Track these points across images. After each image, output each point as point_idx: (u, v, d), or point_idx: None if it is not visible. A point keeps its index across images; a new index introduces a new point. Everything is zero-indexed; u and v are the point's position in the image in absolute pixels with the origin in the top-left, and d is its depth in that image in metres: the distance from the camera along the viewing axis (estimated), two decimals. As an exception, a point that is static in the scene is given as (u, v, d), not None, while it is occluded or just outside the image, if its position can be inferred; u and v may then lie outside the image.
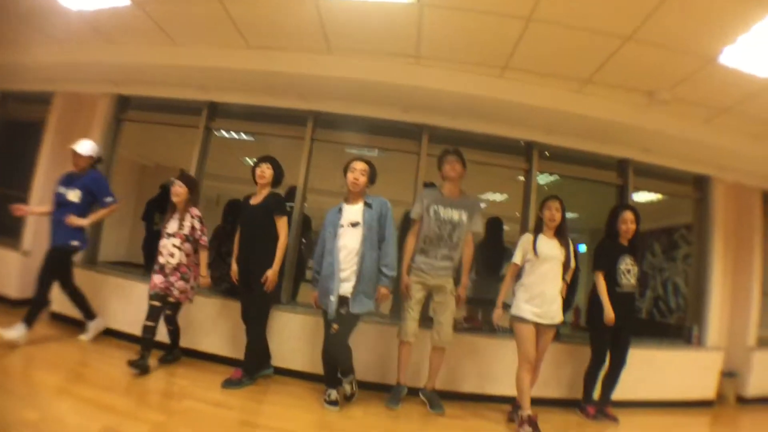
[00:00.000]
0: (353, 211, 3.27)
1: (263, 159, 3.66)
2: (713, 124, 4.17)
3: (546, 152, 4.53)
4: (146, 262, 5.19)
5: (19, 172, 5.27)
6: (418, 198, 3.67)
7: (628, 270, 3.74)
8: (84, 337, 3.94)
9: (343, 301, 3.12)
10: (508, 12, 2.97)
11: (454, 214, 3.48)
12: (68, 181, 3.87)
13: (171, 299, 3.54)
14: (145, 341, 3.40)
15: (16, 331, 3.47)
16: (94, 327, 4.01)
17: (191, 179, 3.73)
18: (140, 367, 3.30)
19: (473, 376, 3.94)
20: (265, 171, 3.59)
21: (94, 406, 2.65)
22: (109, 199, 3.90)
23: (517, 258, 3.43)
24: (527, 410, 3.20)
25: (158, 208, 5.54)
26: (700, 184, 4.96)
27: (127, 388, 3.07)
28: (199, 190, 3.77)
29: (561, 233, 3.44)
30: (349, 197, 3.34)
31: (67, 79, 4.90)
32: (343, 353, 3.18)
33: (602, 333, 3.75)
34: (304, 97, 4.32)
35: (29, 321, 3.57)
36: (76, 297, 3.96)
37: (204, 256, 3.67)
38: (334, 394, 3.20)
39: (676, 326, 4.97)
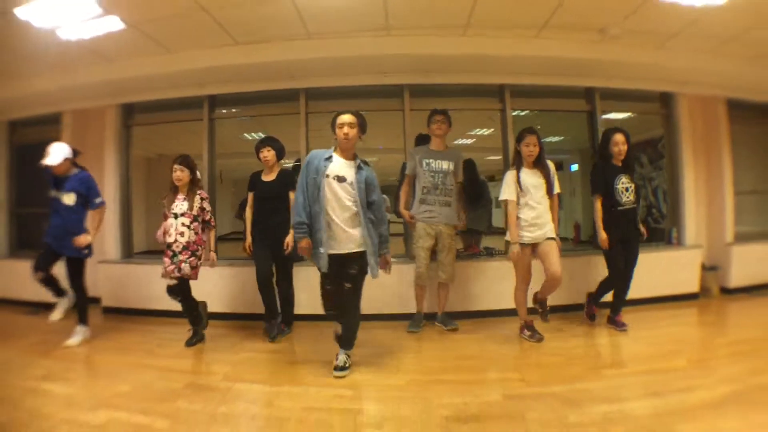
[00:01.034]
0: (343, 166, 3.13)
1: (263, 143, 4.08)
2: (666, 48, 4.62)
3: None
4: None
5: (40, 190, 5.86)
6: (409, 155, 4.30)
7: (626, 188, 4.02)
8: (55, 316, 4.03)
9: (348, 258, 3.10)
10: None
11: (444, 164, 4.11)
12: (59, 183, 3.97)
13: (179, 274, 3.78)
14: (187, 315, 3.95)
15: (79, 335, 3.98)
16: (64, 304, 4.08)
17: (191, 162, 3.91)
18: (198, 341, 3.92)
19: (479, 296, 4.68)
20: (267, 155, 4.04)
21: (171, 371, 3.28)
22: (98, 200, 4.02)
23: (507, 194, 3.77)
24: (525, 318, 3.91)
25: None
26: (666, 100, 5.46)
27: (192, 353, 3.75)
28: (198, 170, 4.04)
29: (540, 163, 3.78)
30: (341, 151, 3.17)
31: (72, 99, 5.38)
32: (357, 314, 3.25)
33: (612, 248, 4.05)
34: (294, 78, 4.86)
35: (83, 320, 4.06)
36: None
37: (213, 235, 4.00)
38: (343, 358, 3.22)
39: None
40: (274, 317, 4.08)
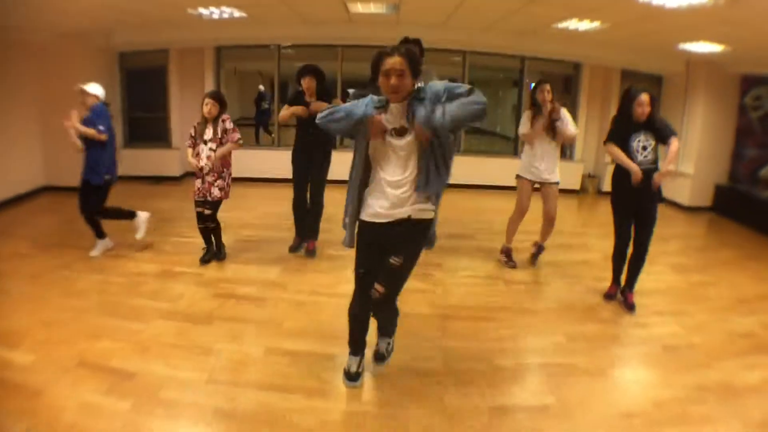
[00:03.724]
0: (399, 114, 2.32)
1: (306, 71, 4.42)
2: (571, 42, 7.64)
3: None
4: (256, 131, 11.31)
5: (152, 101, 8.93)
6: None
7: (643, 146, 3.76)
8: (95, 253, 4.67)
9: (402, 223, 2.38)
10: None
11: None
12: (85, 122, 4.38)
13: (210, 198, 4.26)
14: (204, 237, 4.57)
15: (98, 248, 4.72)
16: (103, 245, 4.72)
17: (222, 98, 4.33)
18: (210, 259, 4.55)
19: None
20: (310, 84, 4.41)
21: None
22: (101, 128, 4.33)
23: (523, 128, 4.52)
24: (508, 243, 4.84)
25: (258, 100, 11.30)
26: (575, 66, 8.78)
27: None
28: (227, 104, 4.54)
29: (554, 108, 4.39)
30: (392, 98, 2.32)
31: (180, 42, 8.25)
32: (395, 301, 2.64)
33: (622, 211, 3.93)
34: (335, 39, 8.06)
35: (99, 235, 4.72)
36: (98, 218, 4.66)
37: (228, 148, 4.24)
38: (356, 365, 2.70)
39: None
40: (302, 235, 4.84)
